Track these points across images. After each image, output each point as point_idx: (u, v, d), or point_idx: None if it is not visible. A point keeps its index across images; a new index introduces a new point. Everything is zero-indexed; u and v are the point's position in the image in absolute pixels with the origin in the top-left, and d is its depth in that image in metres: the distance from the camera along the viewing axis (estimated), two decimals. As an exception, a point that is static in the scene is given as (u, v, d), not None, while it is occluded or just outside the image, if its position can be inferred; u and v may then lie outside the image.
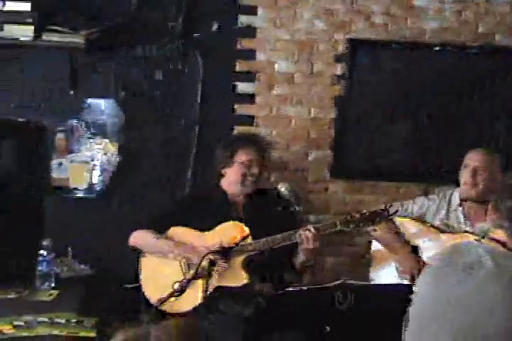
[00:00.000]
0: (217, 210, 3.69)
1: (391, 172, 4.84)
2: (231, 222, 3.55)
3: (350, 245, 4.76)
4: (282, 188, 3.66)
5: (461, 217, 3.99)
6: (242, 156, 3.68)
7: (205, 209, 3.67)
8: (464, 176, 3.95)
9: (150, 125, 4.61)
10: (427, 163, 4.85)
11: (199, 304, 3.27)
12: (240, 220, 3.60)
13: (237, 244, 3.44)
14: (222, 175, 3.79)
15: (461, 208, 3.99)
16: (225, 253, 3.45)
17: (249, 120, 4.70)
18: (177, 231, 3.66)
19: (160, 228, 3.67)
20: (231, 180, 3.72)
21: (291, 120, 4.73)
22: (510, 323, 2.03)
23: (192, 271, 3.42)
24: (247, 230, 3.48)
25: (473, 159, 3.95)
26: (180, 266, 3.57)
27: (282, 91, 4.70)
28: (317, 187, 4.79)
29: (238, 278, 3.47)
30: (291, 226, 3.63)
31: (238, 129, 4.67)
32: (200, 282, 3.40)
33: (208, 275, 3.30)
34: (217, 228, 3.57)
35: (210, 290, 3.44)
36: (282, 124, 4.72)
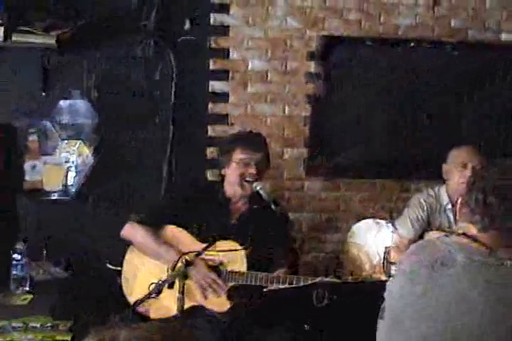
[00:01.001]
0: (215, 214, 3.61)
1: (367, 169, 4.82)
2: (234, 243, 3.47)
3: (329, 242, 4.81)
4: (258, 187, 3.59)
5: (452, 217, 3.96)
6: (238, 155, 3.58)
7: (202, 211, 3.60)
8: (462, 175, 3.83)
9: (124, 125, 4.56)
10: (405, 160, 4.82)
11: (180, 311, 3.19)
12: (234, 229, 3.57)
13: (201, 252, 3.37)
14: (223, 177, 3.70)
15: (451, 207, 3.95)
16: (217, 271, 3.42)
17: (224, 119, 4.65)
18: (176, 235, 3.56)
19: (154, 224, 3.59)
20: (229, 181, 3.63)
21: (265, 118, 4.70)
22: (487, 318, 2.01)
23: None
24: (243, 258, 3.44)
25: (470, 159, 3.88)
26: (167, 267, 3.47)
27: (256, 89, 4.67)
28: (293, 185, 4.76)
29: (221, 303, 3.42)
30: (283, 236, 3.65)
31: (212, 128, 4.66)
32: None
33: (183, 276, 3.22)
34: (219, 243, 3.48)
35: (193, 303, 3.39)
36: (257, 123, 4.67)
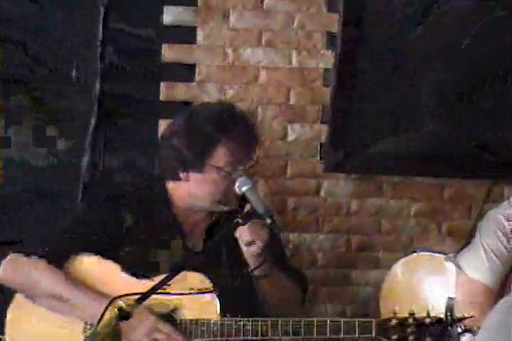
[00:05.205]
0: (161, 235, 3.00)
1: (430, 162, 3.85)
2: (192, 274, 2.84)
3: (362, 285, 3.87)
4: (244, 188, 2.81)
5: None
6: (223, 156, 2.88)
7: (142, 229, 2.98)
8: None
9: (20, 82, 3.71)
10: (494, 146, 3.83)
11: None
12: (195, 258, 2.99)
13: (146, 295, 2.68)
14: (178, 179, 2.99)
15: None
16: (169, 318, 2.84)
17: (188, 72, 3.75)
18: (100, 271, 2.91)
19: (60, 254, 2.89)
20: (195, 193, 2.94)
21: (258, 72, 3.80)
22: None
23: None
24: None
25: None
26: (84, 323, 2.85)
27: (243, 23, 3.77)
28: (303, 185, 3.86)
29: None
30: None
31: (167, 88, 3.72)
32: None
33: (113, 333, 2.54)
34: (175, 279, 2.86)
35: None
36: (244, 79, 3.79)
